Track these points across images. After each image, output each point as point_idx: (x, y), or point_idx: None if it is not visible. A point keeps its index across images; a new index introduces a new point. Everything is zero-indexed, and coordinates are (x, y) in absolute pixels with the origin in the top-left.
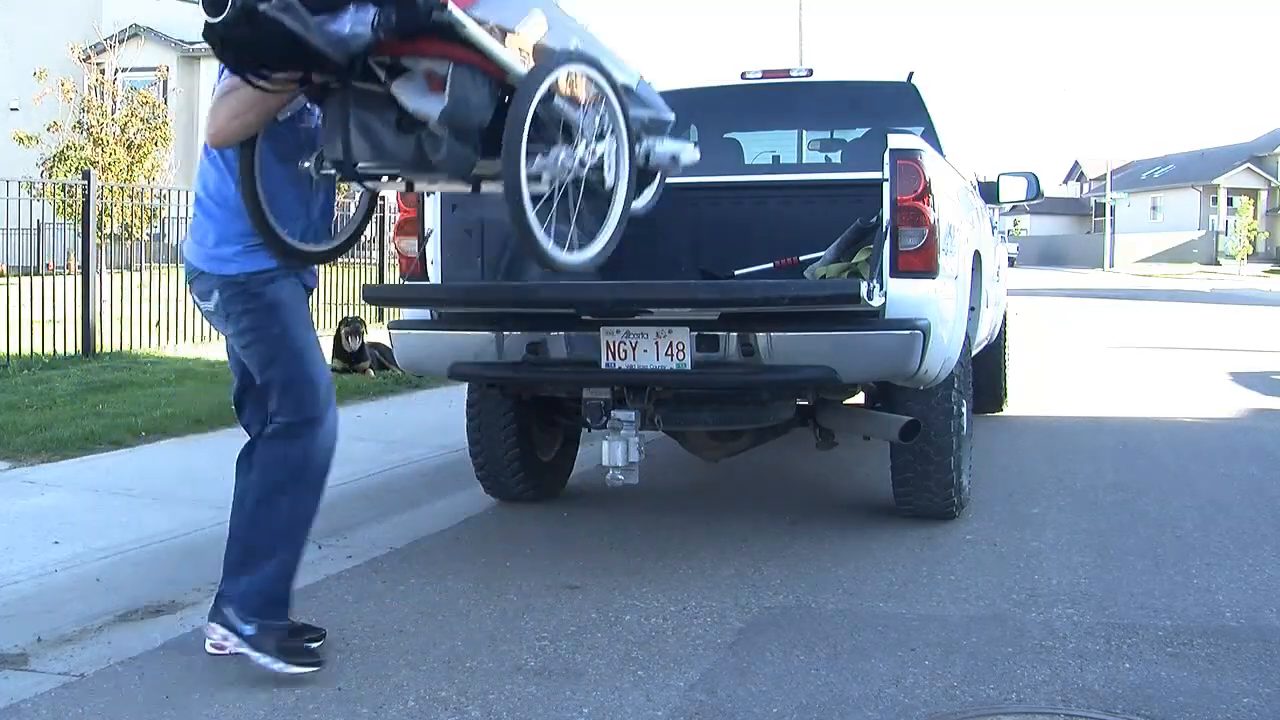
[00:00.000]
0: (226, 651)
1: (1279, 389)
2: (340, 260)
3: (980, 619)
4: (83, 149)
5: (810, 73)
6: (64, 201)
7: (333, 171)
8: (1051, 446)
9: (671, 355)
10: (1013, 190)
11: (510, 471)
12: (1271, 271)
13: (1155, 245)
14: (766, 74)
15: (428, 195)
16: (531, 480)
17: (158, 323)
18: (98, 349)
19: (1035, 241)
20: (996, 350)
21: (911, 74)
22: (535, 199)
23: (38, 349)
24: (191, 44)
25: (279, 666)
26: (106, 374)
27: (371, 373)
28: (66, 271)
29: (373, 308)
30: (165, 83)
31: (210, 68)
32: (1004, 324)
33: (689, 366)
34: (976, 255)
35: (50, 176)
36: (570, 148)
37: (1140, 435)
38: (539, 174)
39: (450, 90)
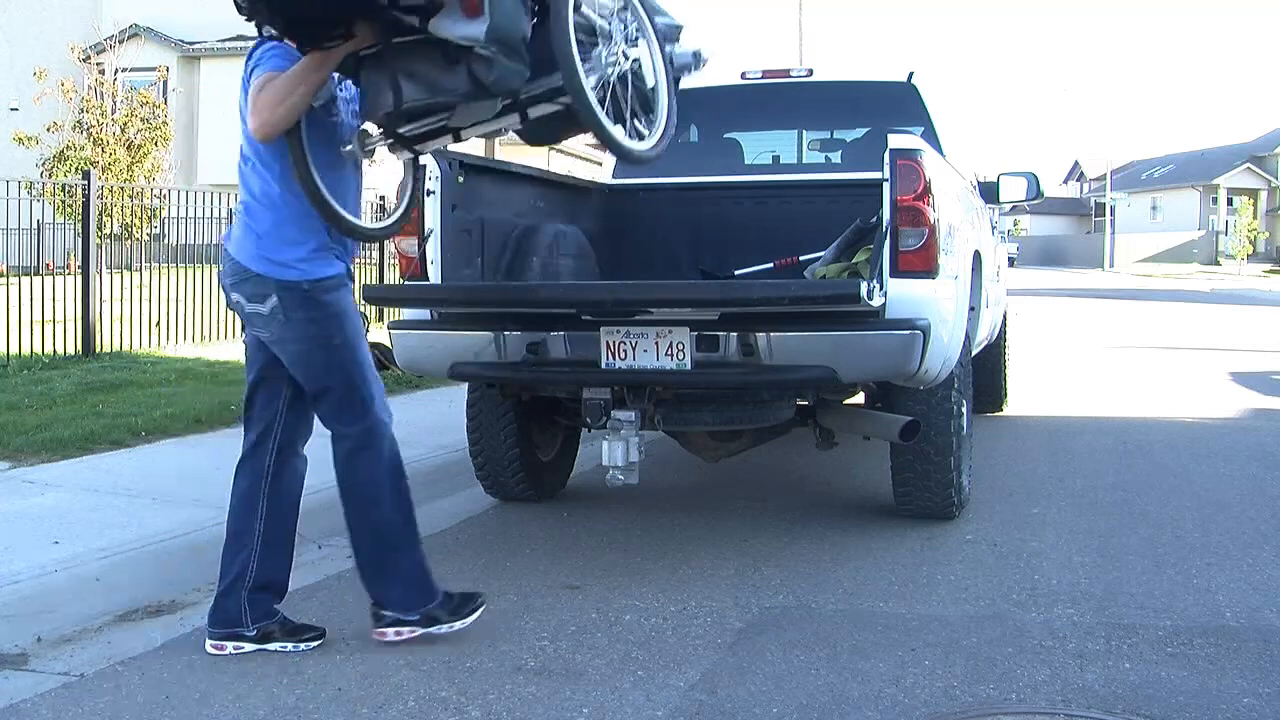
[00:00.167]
0: (403, 639)
1: (1279, 389)
2: None
3: (980, 619)
4: (83, 149)
5: (810, 73)
6: (64, 201)
7: (374, 147)
8: (1051, 446)
9: (671, 355)
10: (1013, 190)
11: (510, 471)
12: (1271, 271)
13: (1155, 245)
14: (766, 74)
15: (468, 140)
16: (531, 480)
17: (158, 323)
18: (98, 349)
19: (1035, 241)
20: (996, 350)
21: (912, 74)
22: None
23: (38, 349)
24: (191, 44)
25: (460, 625)
26: (106, 374)
27: None
28: (66, 271)
29: (372, 308)
30: (165, 83)
31: (210, 68)
32: (1004, 324)
33: (689, 366)
34: (976, 255)
35: (50, 176)
36: (610, 44)
37: (1140, 435)
38: (587, 76)
39: (490, 6)
